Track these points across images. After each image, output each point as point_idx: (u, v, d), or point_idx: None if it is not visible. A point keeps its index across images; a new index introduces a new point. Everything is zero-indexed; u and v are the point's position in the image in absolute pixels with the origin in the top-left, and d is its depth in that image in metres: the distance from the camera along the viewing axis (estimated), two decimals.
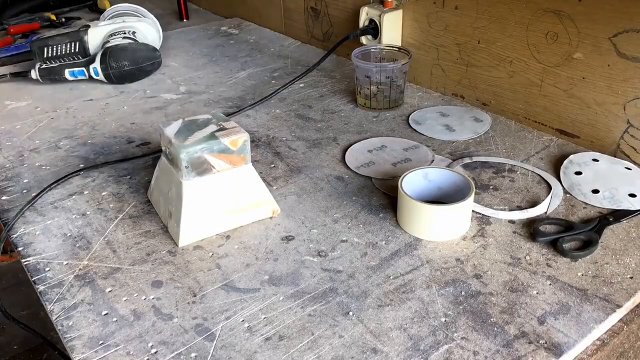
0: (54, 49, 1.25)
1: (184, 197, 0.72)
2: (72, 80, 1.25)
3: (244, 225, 0.78)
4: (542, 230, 0.74)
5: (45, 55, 1.25)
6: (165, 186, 0.77)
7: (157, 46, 1.35)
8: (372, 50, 1.10)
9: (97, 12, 1.73)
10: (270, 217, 0.79)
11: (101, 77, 1.23)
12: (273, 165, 0.92)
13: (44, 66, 1.23)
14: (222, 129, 0.74)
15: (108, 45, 1.24)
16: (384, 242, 0.74)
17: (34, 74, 1.23)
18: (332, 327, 0.62)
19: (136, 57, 1.24)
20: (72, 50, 1.26)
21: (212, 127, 0.74)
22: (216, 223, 0.76)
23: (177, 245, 0.74)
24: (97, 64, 1.22)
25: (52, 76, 1.23)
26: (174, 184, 0.74)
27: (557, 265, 0.69)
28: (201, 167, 0.72)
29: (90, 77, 1.24)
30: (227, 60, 1.38)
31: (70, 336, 0.62)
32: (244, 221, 0.78)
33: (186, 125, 0.76)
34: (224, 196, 0.75)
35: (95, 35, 1.27)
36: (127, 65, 1.22)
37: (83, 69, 1.23)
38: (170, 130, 0.75)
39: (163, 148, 0.76)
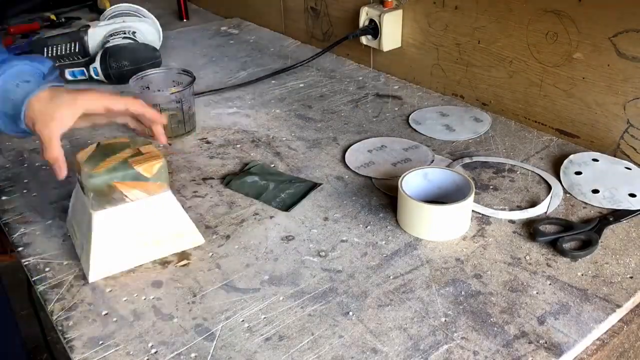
0: (54, 49, 1.25)
1: (93, 229, 0.66)
2: (72, 80, 1.25)
3: (178, 252, 0.73)
4: (542, 230, 0.74)
5: (45, 55, 1.25)
6: (79, 216, 0.71)
7: (157, 46, 1.35)
8: (153, 74, 1.05)
9: (97, 12, 1.73)
10: (193, 249, 0.74)
11: (101, 77, 1.23)
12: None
13: None
14: (138, 154, 0.68)
15: (108, 45, 1.24)
16: (384, 242, 0.74)
17: None
18: (332, 327, 0.62)
19: (136, 57, 1.23)
20: (72, 51, 1.26)
21: (127, 152, 0.69)
22: (132, 256, 0.70)
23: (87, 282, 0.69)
24: (97, 64, 1.21)
25: None
26: (86, 215, 0.68)
27: (557, 265, 0.69)
28: (110, 196, 0.66)
29: (90, 77, 1.23)
30: (227, 60, 1.37)
31: (70, 336, 0.62)
32: (165, 252, 0.72)
33: (101, 150, 0.70)
34: (140, 227, 0.69)
35: (95, 36, 1.27)
36: (127, 65, 1.21)
37: (83, 69, 1.23)
38: (82, 155, 0.69)
39: (77, 176, 0.70)
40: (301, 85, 1.21)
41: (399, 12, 1.15)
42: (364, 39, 1.21)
